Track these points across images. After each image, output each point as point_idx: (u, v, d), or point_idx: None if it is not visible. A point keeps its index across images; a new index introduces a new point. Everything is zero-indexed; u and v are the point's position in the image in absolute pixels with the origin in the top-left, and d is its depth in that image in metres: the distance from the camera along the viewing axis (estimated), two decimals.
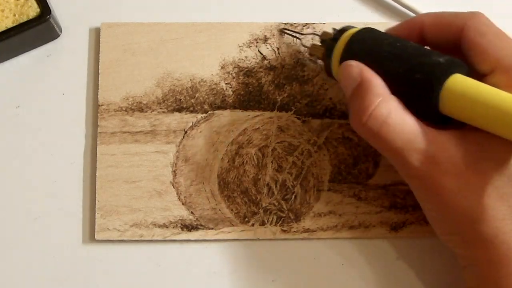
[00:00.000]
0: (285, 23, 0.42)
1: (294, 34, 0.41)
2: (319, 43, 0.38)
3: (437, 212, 0.33)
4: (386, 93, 0.33)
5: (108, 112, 0.40)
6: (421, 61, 0.33)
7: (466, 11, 0.35)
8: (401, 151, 0.32)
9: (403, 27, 0.36)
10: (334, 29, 0.37)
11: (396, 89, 0.33)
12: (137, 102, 0.40)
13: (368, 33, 0.35)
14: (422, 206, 0.34)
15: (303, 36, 0.41)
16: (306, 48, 0.40)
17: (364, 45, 0.35)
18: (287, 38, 0.41)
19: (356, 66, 0.34)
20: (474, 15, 0.34)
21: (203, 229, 0.39)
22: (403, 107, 0.33)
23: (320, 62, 0.40)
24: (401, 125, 0.32)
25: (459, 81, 0.31)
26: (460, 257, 0.34)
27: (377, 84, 0.33)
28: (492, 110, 0.30)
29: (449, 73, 0.32)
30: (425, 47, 0.34)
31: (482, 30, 0.33)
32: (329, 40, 0.37)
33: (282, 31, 0.41)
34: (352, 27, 0.36)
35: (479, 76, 0.33)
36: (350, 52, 0.35)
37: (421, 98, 0.32)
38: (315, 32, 0.40)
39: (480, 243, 0.32)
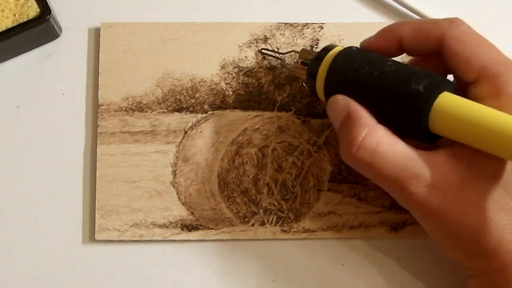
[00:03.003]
0: (285, 23, 0.42)
1: (273, 55, 0.41)
2: (299, 64, 0.38)
3: (440, 233, 0.33)
4: (373, 123, 0.33)
5: (108, 112, 0.40)
6: (401, 91, 0.32)
7: (444, 18, 0.34)
8: (396, 179, 0.32)
9: (381, 38, 0.35)
10: (311, 46, 0.37)
11: (383, 119, 0.33)
12: (137, 102, 0.40)
13: (345, 58, 0.34)
14: (424, 228, 0.34)
15: (282, 56, 0.40)
16: (287, 70, 0.40)
17: (344, 76, 0.34)
18: (286, 38, 0.41)
19: (342, 99, 0.34)
20: (453, 23, 0.33)
21: (203, 229, 0.39)
22: (392, 134, 0.32)
23: (304, 84, 0.39)
24: (391, 152, 0.32)
25: (445, 102, 0.31)
26: (465, 268, 0.34)
27: (364, 115, 0.33)
28: (480, 129, 0.30)
29: (431, 100, 0.31)
30: (404, 67, 0.33)
31: (463, 38, 0.33)
32: (312, 60, 0.36)
33: (261, 52, 0.41)
34: (333, 46, 0.36)
35: (463, 84, 0.33)
36: (333, 80, 0.34)
37: (409, 128, 0.32)
38: (294, 50, 0.40)
39: (484, 254, 0.32)
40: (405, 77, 0.32)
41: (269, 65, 0.41)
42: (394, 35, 0.35)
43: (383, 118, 0.33)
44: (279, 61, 0.41)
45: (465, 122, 0.30)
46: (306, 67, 0.36)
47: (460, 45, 0.33)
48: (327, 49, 0.35)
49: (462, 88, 0.33)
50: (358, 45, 0.42)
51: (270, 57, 0.41)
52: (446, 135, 0.32)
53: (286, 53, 0.40)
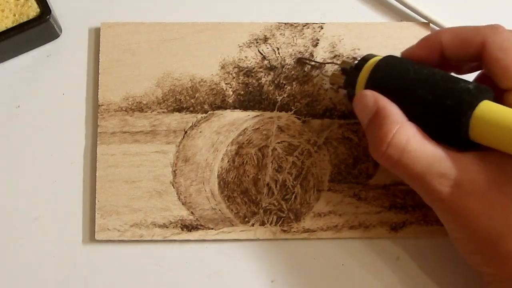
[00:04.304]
0: (285, 23, 0.42)
1: (312, 63, 0.41)
2: (339, 71, 0.39)
3: (461, 233, 0.33)
4: (403, 120, 0.33)
5: (108, 112, 0.40)
6: (450, 87, 0.33)
7: (485, 24, 0.34)
8: (423, 176, 0.32)
9: (422, 47, 0.36)
10: (354, 58, 0.38)
11: (421, 116, 0.33)
12: (137, 102, 0.40)
13: (392, 60, 0.35)
14: (446, 227, 0.34)
15: (322, 65, 0.41)
16: (326, 77, 0.40)
17: (390, 72, 0.34)
18: (286, 38, 0.41)
19: (371, 96, 0.34)
20: (494, 30, 0.34)
21: (203, 229, 0.39)
22: (422, 132, 0.33)
23: (341, 91, 0.40)
24: (420, 150, 0.32)
25: (488, 108, 0.31)
26: (485, 275, 0.34)
27: (394, 112, 0.33)
28: None
29: (479, 99, 0.32)
30: (451, 74, 0.34)
31: (504, 45, 0.33)
32: (351, 68, 0.37)
33: (300, 61, 0.41)
34: (373, 55, 0.36)
35: (501, 91, 0.33)
36: (375, 80, 0.35)
37: (450, 125, 0.32)
38: (334, 61, 0.40)
39: (505, 260, 0.32)
40: (454, 78, 0.33)
41: (269, 65, 0.41)
42: (435, 43, 0.35)
43: (421, 118, 0.33)
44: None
45: (505, 129, 0.30)
46: (345, 74, 0.37)
47: (501, 51, 0.33)
48: (367, 57, 0.36)
49: (499, 95, 0.33)
50: (358, 45, 0.42)
51: (308, 65, 0.41)
52: (484, 143, 0.32)
53: (326, 63, 0.41)
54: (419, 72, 0.34)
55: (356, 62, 0.37)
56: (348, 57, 0.41)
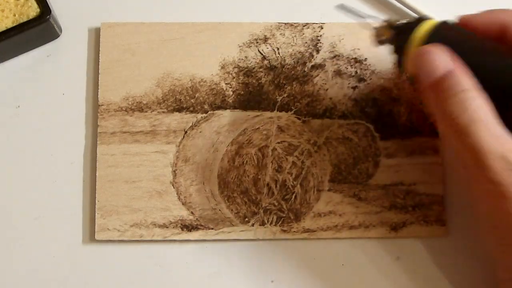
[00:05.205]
0: (285, 23, 0.42)
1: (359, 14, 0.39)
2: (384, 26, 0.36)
3: (496, 219, 0.32)
4: (478, 88, 0.31)
5: (108, 112, 0.40)
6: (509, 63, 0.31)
7: None
8: (484, 153, 0.31)
9: (484, 17, 0.34)
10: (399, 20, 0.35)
11: (487, 90, 0.31)
12: (137, 102, 0.40)
13: (455, 25, 0.33)
14: (483, 210, 0.33)
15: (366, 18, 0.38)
16: (373, 29, 0.37)
17: (456, 34, 0.32)
18: (286, 38, 0.41)
19: (445, 53, 0.32)
20: None
21: (203, 229, 0.39)
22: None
23: (385, 47, 0.37)
24: (492, 125, 0.31)
25: None
26: (505, 269, 0.33)
27: (471, 78, 0.31)
28: None
29: None
30: None
31: None
32: (403, 24, 0.34)
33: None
34: (427, 17, 0.34)
35: None
36: (439, 37, 0.32)
37: (507, 103, 0.31)
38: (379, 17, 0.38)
39: None
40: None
41: (269, 65, 0.41)
42: (498, 19, 0.33)
43: (487, 92, 0.31)
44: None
45: None
46: (395, 29, 0.35)
47: None
48: (422, 18, 0.34)
49: None
50: (358, 45, 0.42)
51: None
52: None
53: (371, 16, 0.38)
54: (483, 42, 0.32)
55: (405, 21, 0.34)
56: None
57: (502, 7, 0.43)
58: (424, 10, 0.42)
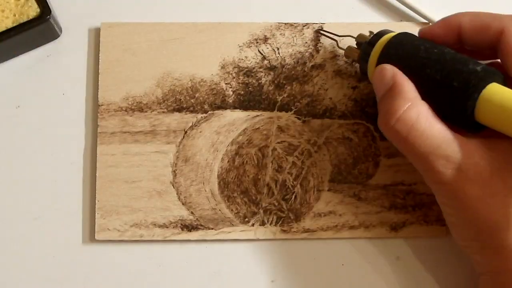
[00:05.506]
0: (285, 23, 0.42)
1: (331, 36, 0.41)
2: (354, 46, 0.39)
3: (458, 218, 0.33)
4: (416, 97, 0.33)
5: (108, 112, 0.40)
6: (458, 68, 0.33)
7: (506, 14, 0.34)
8: (427, 156, 0.32)
9: (440, 26, 0.36)
10: (371, 32, 0.37)
11: (430, 95, 0.33)
12: (137, 102, 0.40)
13: (404, 38, 0.35)
14: (443, 211, 0.34)
15: (340, 38, 0.40)
16: (342, 50, 0.40)
17: (401, 50, 0.35)
18: (323, 39, 0.41)
19: (390, 70, 0.34)
20: None
21: (203, 229, 0.39)
22: (433, 113, 0.33)
23: (355, 64, 0.41)
24: (429, 130, 0.32)
25: (495, 91, 0.31)
26: (478, 264, 0.34)
27: (409, 89, 0.33)
28: None
29: (486, 82, 0.32)
30: (461, 54, 0.34)
31: None
32: (365, 43, 0.37)
33: (318, 32, 0.41)
34: (388, 31, 0.37)
35: None
36: (387, 57, 0.35)
37: (457, 105, 0.32)
38: (351, 35, 0.40)
39: (500, 251, 0.31)
40: (463, 59, 0.33)
41: (269, 65, 0.41)
42: (454, 24, 0.35)
43: (429, 97, 0.33)
44: (335, 43, 0.41)
45: (510, 112, 0.30)
46: (360, 48, 0.38)
47: None
48: (381, 33, 0.36)
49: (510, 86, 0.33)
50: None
51: (326, 38, 0.41)
52: (490, 125, 0.32)
53: (343, 36, 0.40)
54: (429, 51, 0.34)
55: (371, 36, 0.37)
56: (364, 31, 0.40)
57: (503, 7, 0.43)
58: (424, 10, 0.42)
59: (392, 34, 0.36)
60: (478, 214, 0.31)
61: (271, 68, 0.41)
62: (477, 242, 0.33)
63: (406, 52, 0.35)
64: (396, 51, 0.35)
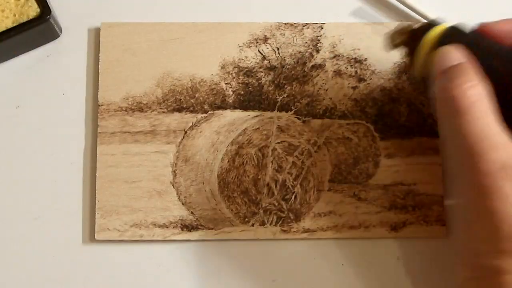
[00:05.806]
0: (285, 23, 0.41)
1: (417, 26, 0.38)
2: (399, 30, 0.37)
3: (474, 210, 0.31)
4: (484, 83, 0.32)
5: (108, 112, 0.40)
6: None
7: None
8: (480, 140, 0.30)
9: (500, 26, 0.34)
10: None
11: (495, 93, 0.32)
12: (137, 102, 0.40)
13: (463, 28, 0.34)
14: (459, 201, 0.32)
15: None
16: (388, 33, 0.38)
17: (465, 37, 0.34)
18: (286, 38, 0.41)
19: (461, 52, 0.33)
20: None
21: (203, 229, 0.39)
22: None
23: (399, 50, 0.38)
24: (490, 115, 0.31)
25: None
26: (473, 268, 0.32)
27: (478, 75, 0.32)
28: None
29: None
30: None
31: None
32: (417, 28, 0.36)
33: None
34: (439, 22, 0.35)
35: None
36: (449, 41, 0.34)
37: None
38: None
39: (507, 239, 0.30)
40: None
41: (269, 65, 0.41)
42: None
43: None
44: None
45: None
46: (409, 34, 0.36)
47: None
48: (434, 23, 0.35)
49: None
50: (358, 45, 0.42)
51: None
52: None
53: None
54: (491, 44, 0.33)
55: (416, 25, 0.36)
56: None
57: (502, 7, 0.43)
58: (424, 10, 0.42)
59: (446, 25, 0.35)
60: (502, 212, 0.30)
61: (271, 68, 0.41)
62: (493, 242, 0.31)
63: (468, 39, 0.33)
64: (459, 38, 0.34)
